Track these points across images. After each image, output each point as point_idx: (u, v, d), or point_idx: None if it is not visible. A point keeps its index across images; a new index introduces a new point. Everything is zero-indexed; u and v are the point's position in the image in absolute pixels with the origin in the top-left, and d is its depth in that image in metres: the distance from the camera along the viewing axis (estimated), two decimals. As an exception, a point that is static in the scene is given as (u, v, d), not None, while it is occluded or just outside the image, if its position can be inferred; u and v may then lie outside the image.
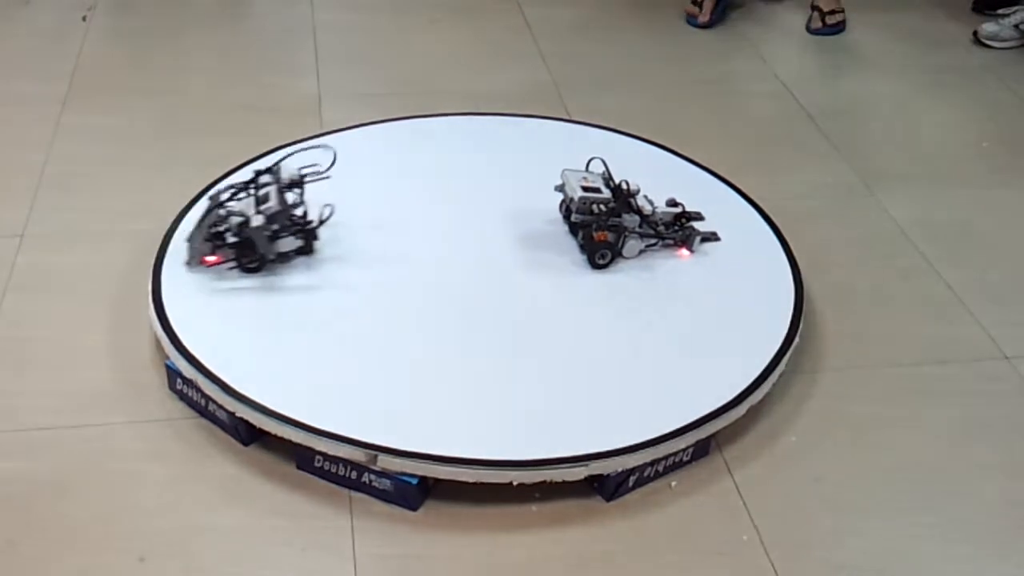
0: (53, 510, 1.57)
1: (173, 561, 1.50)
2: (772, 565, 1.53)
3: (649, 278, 1.93)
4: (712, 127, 2.60)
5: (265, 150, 2.24)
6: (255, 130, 2.41)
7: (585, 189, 1.94)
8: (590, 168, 1.99)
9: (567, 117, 2.54)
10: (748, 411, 1.71)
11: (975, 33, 3.05)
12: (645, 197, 1.97)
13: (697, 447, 1.66)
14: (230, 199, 1.88)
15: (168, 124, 2.51)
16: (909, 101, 2.81)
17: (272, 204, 1.86)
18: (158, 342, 1.79)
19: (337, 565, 1.50)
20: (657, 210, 1.97)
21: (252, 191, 1.89)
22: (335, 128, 2.37)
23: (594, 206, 1.93)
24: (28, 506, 1.57)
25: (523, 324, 1.83)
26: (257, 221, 1.83)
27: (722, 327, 1.84)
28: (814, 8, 3.09)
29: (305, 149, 1.97)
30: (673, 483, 1.65)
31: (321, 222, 1.92)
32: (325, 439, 1.58)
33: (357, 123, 2.38)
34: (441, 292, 1.88)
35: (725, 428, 1.68)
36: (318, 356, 1.74)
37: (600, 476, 1.59)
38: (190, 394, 1.72)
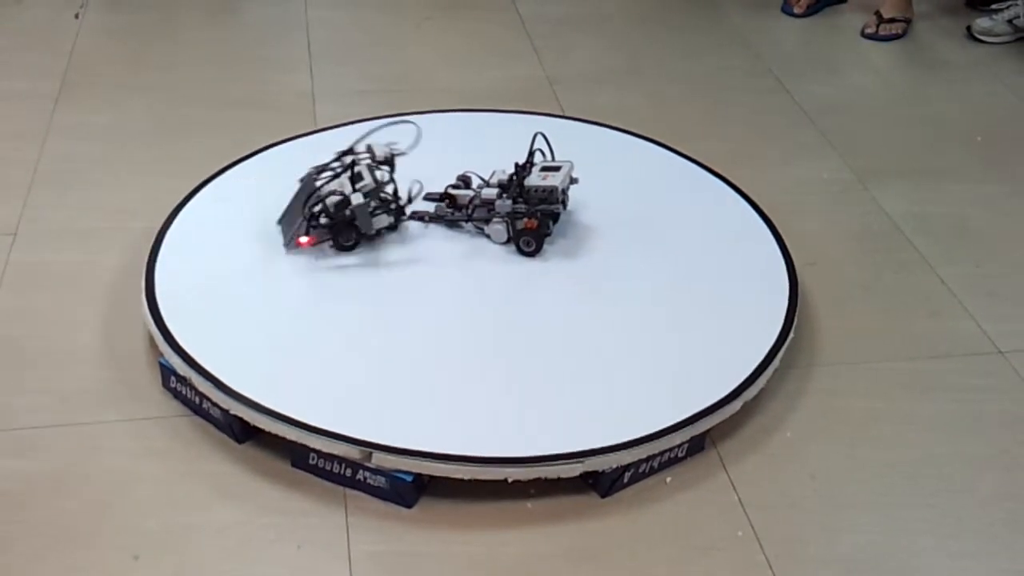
0: (47, 508, 1.56)
1: (167, 559, 1.50)
2: (767, 560, 1.53)
3: (644, 273, 1.93)
4: (706, 122, 2.60)
5: (259, 147, 2.24)
6: (248, 127, 2.41)
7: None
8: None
9: (561, 113, 2.54)
10: (743, 407, 1.71)
11: (969, 28, 3.05)
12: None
13: (692, 443, 1.66)
14: (324, 178, 1.89)
15: (161, 121, 2.51)
16: (903, 96, 2.80)
17: (367, 182, 1.88)
18: (152, 340, 1.79)
19: (332, 562, 1.50)
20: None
21: (340, 169, 1.89)
22: (329, 125, 2.37)
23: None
24: (22, 504, 1.57)
25: (518, 321, 1.82)
26: (357, 199, 1.86)
27: (717, 322, 1.84)
28: (875, 12, 3.06)
29: (390, 124, 1.99)
30: (668, 479, 1.65)
31: (411, 199, 1.95)
32: (320, 436, 1.57)
33: (350, 119, 2.37)
34: (435, 289, 1.88)
35: (720, 424, 1.68)
36: (312, 353, 1.74)
37: (595, 472, 1.59)
38: (184, 392, 1.72)
